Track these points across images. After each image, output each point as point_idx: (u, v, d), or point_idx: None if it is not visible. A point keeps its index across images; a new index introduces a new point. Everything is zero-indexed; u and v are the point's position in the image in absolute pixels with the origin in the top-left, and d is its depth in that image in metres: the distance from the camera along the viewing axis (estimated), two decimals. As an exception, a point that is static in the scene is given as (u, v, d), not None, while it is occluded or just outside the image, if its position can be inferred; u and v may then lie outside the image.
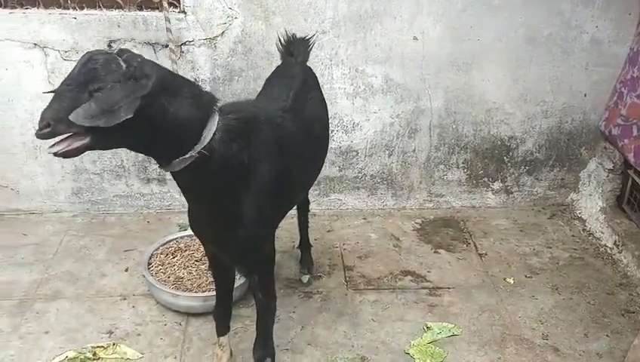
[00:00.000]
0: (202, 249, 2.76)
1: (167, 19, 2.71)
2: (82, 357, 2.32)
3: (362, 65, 3.00)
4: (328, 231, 3.17)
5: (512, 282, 2.82)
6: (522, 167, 3.32)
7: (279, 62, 2.92)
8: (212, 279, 2.49)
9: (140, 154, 3.10)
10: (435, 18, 2.92)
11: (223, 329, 2.26)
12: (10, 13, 2.78)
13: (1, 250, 2.93)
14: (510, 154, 3.28)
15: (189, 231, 2.90)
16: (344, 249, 3.03)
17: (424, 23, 2.93)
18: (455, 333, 2.51)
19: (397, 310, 2.63)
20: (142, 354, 2.36)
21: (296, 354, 2.38)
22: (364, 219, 3.29)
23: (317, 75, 2.95)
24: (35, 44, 2.81)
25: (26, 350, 2.35)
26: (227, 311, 2.26)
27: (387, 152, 3.21)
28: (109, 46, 2.83)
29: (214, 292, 2.27)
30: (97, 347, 2.36)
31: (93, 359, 2.33)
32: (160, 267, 2.66)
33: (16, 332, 2.44)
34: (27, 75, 2.88)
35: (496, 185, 3.36)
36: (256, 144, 1.79)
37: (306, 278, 2.78)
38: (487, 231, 3.21)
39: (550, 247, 3.09)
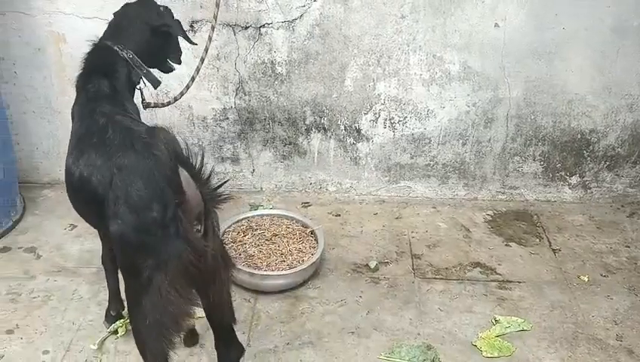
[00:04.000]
0: (272, 228, 2.83)
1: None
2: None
3: (440, 52, 2.95)
4: (397, 218, 3.16)
5: (587, 280, 2.73)
6: (602, 162, 3.19)
7: (356, 45, 2.94)
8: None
9: (216, 133, 3.18)
10: (519, 4, 2.83)
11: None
12: (98, -9, 2.89)
13: (83, 221, 3.05)
14: (590, 148, 3.16)
15: (260, 211, 2.98)
16: (412, 237, 3.01)
17: (507, 9, 2.85)
18: (525, 328, 2.46)
19: (465, 301, 2.60)
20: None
21: (362, 338, 2.40)
22: (434, 208, 3.25)
23: (393, 60, 2.96)
24: (122, 23, 2.91)
25: (103, 316, 2.45)
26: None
27: (461, 141, 3.16)
28: (191, 27, 2.90)
29: (287, 271, 2.45)
30: (170, 317, 2.45)
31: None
32: (232, 244, 2.72)
33: (95, 298, 2.56)
34: (112, 53, 2.98)
35: (574, 180, 3.25)
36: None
37: (373, 264, 2.78)
38: (561, 226, 3.11)
39: (628, 246, 2.97)
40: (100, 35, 2.96)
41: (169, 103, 2.57)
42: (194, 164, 1.61)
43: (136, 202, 1.67)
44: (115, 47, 2.13)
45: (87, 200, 1.89)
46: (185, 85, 2.57)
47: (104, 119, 1.90)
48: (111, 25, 2.24)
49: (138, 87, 2.22)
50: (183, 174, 1.58)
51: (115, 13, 2.27)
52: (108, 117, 1.91)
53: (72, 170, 1.90)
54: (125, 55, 2.12)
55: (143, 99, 2.30)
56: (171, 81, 2.90)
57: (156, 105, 2.45)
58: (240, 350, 2.07)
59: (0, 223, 2.92)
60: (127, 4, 2.29)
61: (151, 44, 2.22)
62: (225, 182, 1.73)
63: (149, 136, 1.74)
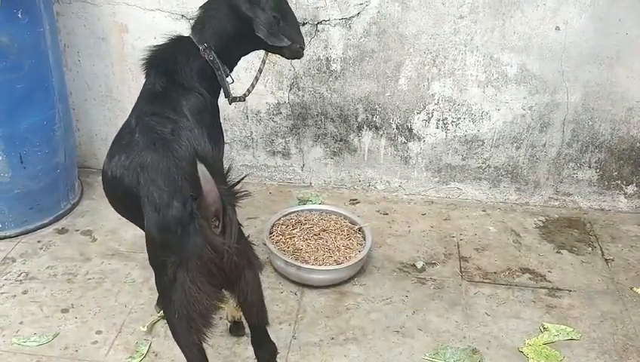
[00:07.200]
0: (321, 223, 2.85)
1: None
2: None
3: (497, 53, 2.92)
4: (445, 220, 3.13)
5: (640, 292, 2.67)
6: (661, 172, 3.10)
7: (412, 44, 2.94)
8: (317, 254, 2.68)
9: (269, 127, 3.22)
10: (582, 8, 2.78)
11: None
12: (162, -16, 2.96)
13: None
14: (649, 157, 3.08)
15: (309, 206, 3.00)
16: (460, 239, 2.99)
17: (569, 12, 2.79)
18: (573, 337, 2.41)
19: (513, 307, 2.57)
20: (258, 317, 2.47)
21: (407, 338, 2.40)
22: (484, 211, 3.22)
23: (449, 60, 2.94)
24: (182, 16, 2.97)
25: (154, 300, 2.52)
26: None
27: (515, 145, 3.11)
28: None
29: (333, 266, 2.47)
30: (217, 306, 2.49)
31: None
32: (280, 237, 2.76)
33: (147, 283, 2.62)
34: (172, 45, 3.05)
35: (630, 189, 3.16)
36: None
37: (420, 264, 2.78)
38: (615, 236, 3.04)
39: (686, 260, 2.89)
40: (161, 28, 3.04)
41: (249, 92, 2.45)
42: (212, 160, 1.60)
43: (157, 200, 1.71)
44: (200, 47, 2.13)
45: (123, 201, 1.97)
46: (255, 75, 2.53)
47: (135, 121, 1.95)
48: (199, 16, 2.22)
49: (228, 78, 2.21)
50: (201, 169, 1.57)
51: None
52: (138, 118, 1.95)
53: (105, 170, 1.98)
54: (207, 57, 2.12)
55: (229, 95, 2.26)
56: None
57: (241, 100, 2.37)
58: (272, 351, 2.06)
59: (59, 205, 3.02)
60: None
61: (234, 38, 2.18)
62: (243, 178, 1.69)
63: (172, 135, 1.79)
